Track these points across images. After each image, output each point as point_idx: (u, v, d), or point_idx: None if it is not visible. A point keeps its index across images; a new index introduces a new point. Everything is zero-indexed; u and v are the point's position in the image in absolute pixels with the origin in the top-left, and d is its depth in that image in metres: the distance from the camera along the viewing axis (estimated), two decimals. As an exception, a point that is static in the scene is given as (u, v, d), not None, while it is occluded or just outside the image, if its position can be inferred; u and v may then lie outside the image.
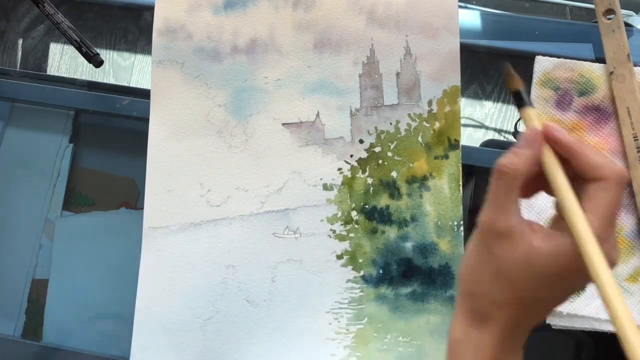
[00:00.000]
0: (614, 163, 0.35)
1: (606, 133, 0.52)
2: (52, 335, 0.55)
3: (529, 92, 0.56)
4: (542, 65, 0.53)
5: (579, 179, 0.35)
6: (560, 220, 0.35)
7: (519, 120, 0.61)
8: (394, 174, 0.51)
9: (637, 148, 0.51)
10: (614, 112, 0.52)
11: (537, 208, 0.51)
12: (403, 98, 0.52)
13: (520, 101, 0.37)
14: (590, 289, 0.49)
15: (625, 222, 0.51)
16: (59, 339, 0.55)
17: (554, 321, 0.49)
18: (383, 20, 0.52)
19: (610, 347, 0.48)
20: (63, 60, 0.66)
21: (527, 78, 0.62)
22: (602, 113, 0.52)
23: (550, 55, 0.54)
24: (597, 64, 0.53)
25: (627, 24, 0.59)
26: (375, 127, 0.52)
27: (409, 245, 0.50)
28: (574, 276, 0.34)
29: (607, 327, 0.49)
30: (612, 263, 0.35)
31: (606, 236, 0.34)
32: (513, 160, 0.35)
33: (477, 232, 0.36)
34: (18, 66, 0.66)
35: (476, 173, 0.55)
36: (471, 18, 0.66)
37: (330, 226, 0.51)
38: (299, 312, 0.50)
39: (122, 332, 0.53)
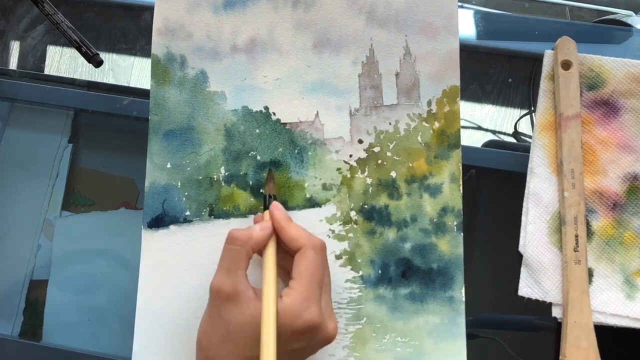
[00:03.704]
0: (310, 235, 0.43)
1: (615, 127, 0.52)
2: (52, 335, 0.55)
3: (536, 92, 0.56)
4: (551, 59, 0.53)
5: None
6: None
7: (518, 120, 0.61)
8: (393, 174, 0.51)
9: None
10: (623, 106, 0.52)
11: (545, 202, 0.51)
12: (402, 98, 0.52)
13: (268, 203, 0.47)
14: (596, 282, 0.49)
15: (633, 217, 0.51)
16: (58, 339, 0.55)
17: (558, 314, 0.49)
18: (383, 20, 0.52)
19: (614, 341, 0.48)
20: (62, 60, 0.66)
21: (527, 78, 0.62)
22: (611, 107, 0.52)
23: (551, 56, 0.54)
24: (606, 58, 0.52)
25: (626, 24, 0.59)
26: (375, 127, 0.52)
27: (408, 245, 0.50)
28: (302, 336, 0.40)
29: (612, 321, 0.49)
30: (331, 328, 0.42)
31: (314, 297, 0.40)
32: (246, 234, 0.42)
33: (209, 297, 0.41)
34: (17, 66, 0.66)
35: (476, 173, 0.55)
36: (471, 18, 0.66)
37: (329, 226, 0.50)
38: (297, 312, 0.50)
39: (122, 332, 0.53)
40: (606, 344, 0.47)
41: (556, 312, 0.49)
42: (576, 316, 0.47)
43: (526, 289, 0.50)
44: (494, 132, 0.61)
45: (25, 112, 0.59)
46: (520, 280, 0.50)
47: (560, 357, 0.47)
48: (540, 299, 0.49)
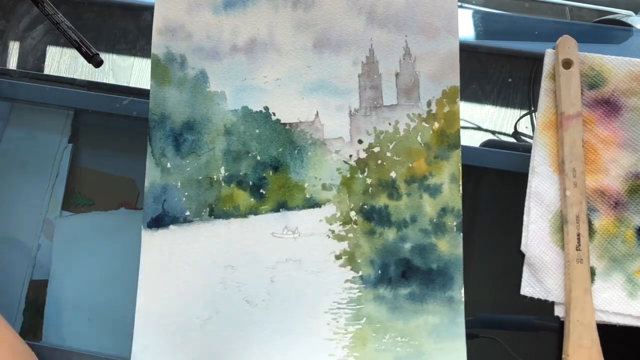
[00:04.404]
0: None
1: (616, 127, 0.52)
2: (52, 336, 0.55)
3: (536, 92, 0.56)
4: (552, 58, 0.53)
5: None
6: None
7: (518, 120, 0.61)
8: (393, 174, 0.51)
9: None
10: (624, 105, 0.52)
11: (546, 201, 0.51)
12: (402, 98, 0.52)
13: None
14: (598, 281, 0.49)
15: (635, 216, 0.51)
16: (59, 339, 0.55)
17: (561, 313, 0.49)
18: (382, 20, 0.52)
19: (617, 340, 0.48)
20: (62, 60, 0.66)
21: (527, 78, 0.62)
22: (612, 106, 0.52)
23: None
24: (607, 57, 0.52)
25: (626, 24, 0.59)
26: (374, 128, 0.52)
27: (407, 245, 0.50)
28: None
29: (615, 320, 0.49)
30: None
31: None
32: None
33: None
34: (17, 66, 0.66)
35: (476, 173, 0.55)
36: (471, 18, 0.66)
37: (329, 226, 0.50)
38: (297, 313, 0.50)
39: (122, 332, 0.53)
40: (609, 343, 0.47)
41: (559, 311, 0.49)
42: (579, 315, 0.47)
43: (528, 288, 0.50)
44: (493, 132, 0.61)
45: (25, 112, 0.59)
46: (523, 280, 0.50)
47: (563, 356, 0.47)
48: (542, 298, 0.49)
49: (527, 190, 0.51)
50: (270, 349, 0.49)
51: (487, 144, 0.60)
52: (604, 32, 0.67)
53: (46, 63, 0.66)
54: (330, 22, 0.52)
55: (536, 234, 0.50)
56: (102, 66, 0.54)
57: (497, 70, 0.62)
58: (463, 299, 0.49)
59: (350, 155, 0.51)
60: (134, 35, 0.66)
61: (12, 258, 0.57)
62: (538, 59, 0.54)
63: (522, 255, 0.50)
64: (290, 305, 0.50)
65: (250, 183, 0.51)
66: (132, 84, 0.64)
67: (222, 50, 0.52)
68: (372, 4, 0.52)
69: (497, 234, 0.56)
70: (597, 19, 0.75)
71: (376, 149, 0.51)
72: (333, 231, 0.50)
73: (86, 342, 0.55)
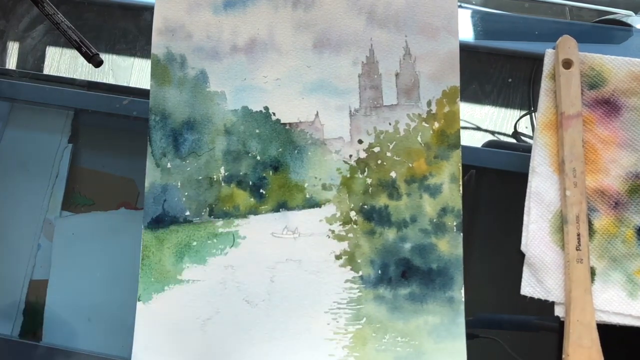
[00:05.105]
0: None
1: (616, 126, 0.52)
2: (52, 335, 0.55)
3: (535, 92, 0.56)
4: (552, 58, 0.53)
5: None
6: None
7: (518, 120, 0.61)
8: (393, 174, 0.51)
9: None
10: (624, 105, 0.52)
11: (546, 201, 0.51)
12: (402, 98, 0.52)
13: None
14: (598, 281, 0.49)
15: (635, 216, 0.51)
16: (58, 339, 0.55)
17: (561, 313, 0.49)
18: (382, 20, 0.52)
19: (616, 340, 0.48)
20: (62, 60, 0.66)
21: (527, 78, 0.62)
22: (612, 106, 0.52)
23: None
24: (607, 57, 0.52)
25: (626, 24, 0.59)
26: (375, 128, 0.52)
27: (407, 245, 0.50)
28: None
29: (615, 320, 0.49)
30: None
31: None
32: None
33: None
34: (17, 66, 0.66)
35: (476, 173, 0.55)
36: (471, 18, 0.66)
37: (329, 226, 0.51)
38: (297, 313, 0.50)
39: (122, 332, 0.53)
40: (609, 343, 0.47)
41: (559, 311, 0.49)
42: (579, 315, 0.48)
43: (529, 288, 0.50)
44: (493, 132, 0.61)
45: (25, 112, 0.59)
46: (523, 280, 0.50)
47: (563, 356, 0.47)
48: (542, 298, 0.49)
49: (527, 190, 0.51)
50: (270, 349, 0.49)
51: (487, 144, 0.60)
52: (604, 32, 0.67)
53: (46, 63, 0.66)
54: (330, 22, 0.52)
55: (536, 234, 0.50)
56: (102, 66, 0.54)
57: (497, 70, 0.62)
58: (463, 299, 0.49)
59: (350, 155, 0.51)
60: (134, 35, 0.66)
61: (12, 258, 0.57)
62: (538, 59, 0.54)
63: (522, 255, 0.50)
64: (290, 305, 0.50)
65: (250, 183, 0.51)
66: (132, 84, 0.64)
67: (222, 50, 0.52)
68: (372, 4, 0.52)
69: (497, 234, 0.56)
70: (597, 19, 0.75)
71: (376, 149, 0.51)
72: (333, 231, 0.50)
73: (86, 342, 0.55)
